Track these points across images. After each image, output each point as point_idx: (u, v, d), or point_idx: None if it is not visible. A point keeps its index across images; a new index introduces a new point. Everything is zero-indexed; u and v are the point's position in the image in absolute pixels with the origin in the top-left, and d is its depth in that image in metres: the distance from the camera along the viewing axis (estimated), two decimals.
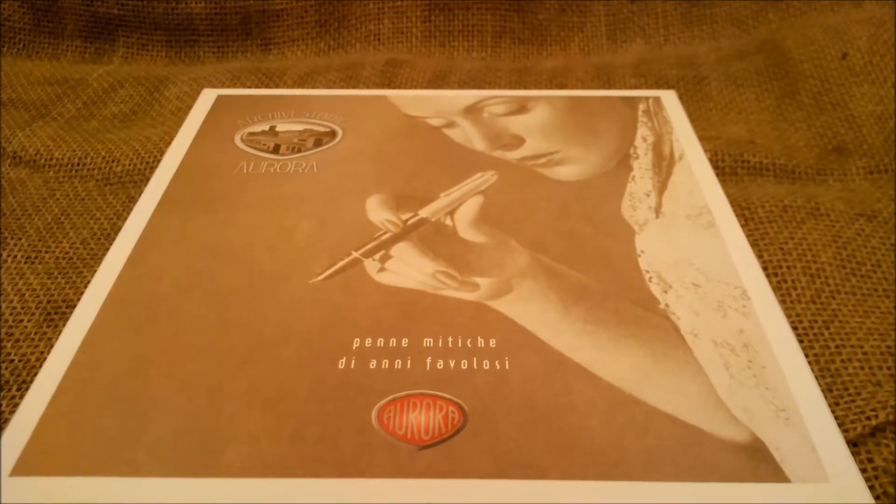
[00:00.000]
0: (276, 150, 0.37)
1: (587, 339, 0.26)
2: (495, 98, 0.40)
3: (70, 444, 0.23)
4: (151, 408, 0.24)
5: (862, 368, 0.28)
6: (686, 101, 0.44)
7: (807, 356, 0.27)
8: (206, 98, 0.41)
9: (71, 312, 0.28)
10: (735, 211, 0.33)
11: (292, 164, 0.35)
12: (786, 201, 0.35)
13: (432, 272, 0.29)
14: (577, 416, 0.23)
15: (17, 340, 0.29)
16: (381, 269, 0.29)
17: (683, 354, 0.26)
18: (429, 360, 0.25)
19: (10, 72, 0.48)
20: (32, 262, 0.33)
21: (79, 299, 0.29)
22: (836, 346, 0.28)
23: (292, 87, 0.46)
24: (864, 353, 0.28)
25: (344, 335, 0.26)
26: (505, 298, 0.28)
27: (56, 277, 0.32)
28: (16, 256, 0.33)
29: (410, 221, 0.31)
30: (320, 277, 0.29)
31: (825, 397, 0.25)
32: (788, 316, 0.30)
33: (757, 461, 0.22)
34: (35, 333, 0.29)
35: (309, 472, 0.22)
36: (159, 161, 0.37)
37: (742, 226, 0.32)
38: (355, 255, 0.30)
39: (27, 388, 0.25)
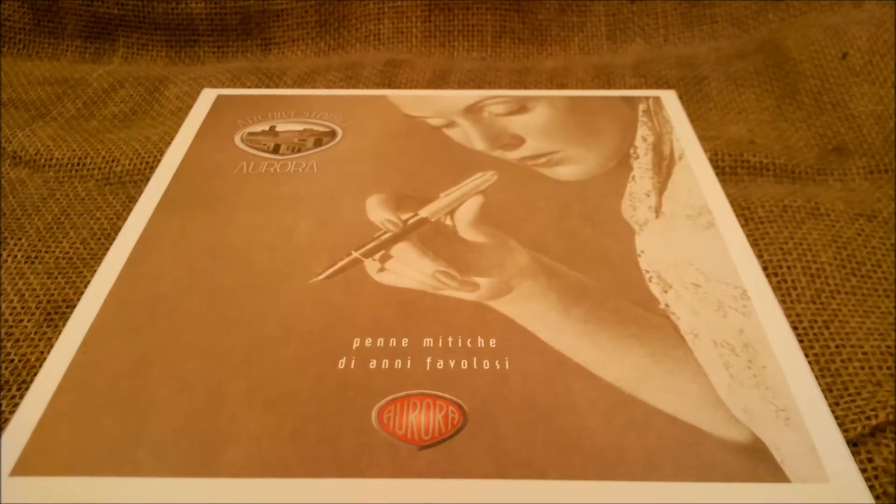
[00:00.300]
0: (276, 150, 0.37)
1: (587, 339, 0.26)
2: (495, 98, 0.40)
3: (70, 444, 0.23)
4: (151, 408, 0.24)
5: (862, 368, 0.28)
6: (686, 101, 0.44)
7: (807, 356, 0.27)
8: (206, 98, 0.41)
9: (71, 312, 0.28)
10: (735, 211, 0.33)
11: (292, 164, 0.35)
12: (786, 201, 0.35)
13: (432, 272, 0.29)
14: (577, 416, 0.23)
15: (17, 340, 0.29)
16: (381, 269, 0.29)
17: (683, 354, 0.26)
18: (429, 360, 0.25)
19: (10, 72, 0.48)
20: (32, 262, 0.33)
21: (79, 299, 0.29)
22: (836, 346, 0.28)
23: (292, 87, 0.46)
24: (864, 353, 0.28)
25: (344, 335, 0.26)
26: (505, 298, 0.28)
27: (56, 277, 0.32)
28: (16, 256, 0.33)
29: (410, 221, 0.31)
30: (320, 277, 0.29)
31: (825, 397, 0.25)
32: (788, 316, 0.30)
33: (757, 461, 0.22)
34: (35, 333, 0.29)
35: (309, 472, 0.22)
36: (159, 161, 0.37)
37: (742, 226, 0.32)
38: (355, 255, 0.30)
39: (27, 388, 0.25)
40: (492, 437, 0.23)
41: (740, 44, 0.49)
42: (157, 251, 0.30)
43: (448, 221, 0.32)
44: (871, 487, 0.24)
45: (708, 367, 0.25)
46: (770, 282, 0.30)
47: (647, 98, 0.40)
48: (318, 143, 0.37)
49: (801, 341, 0.29)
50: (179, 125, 0.39)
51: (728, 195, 0.33)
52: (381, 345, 0.26)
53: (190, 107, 0.40)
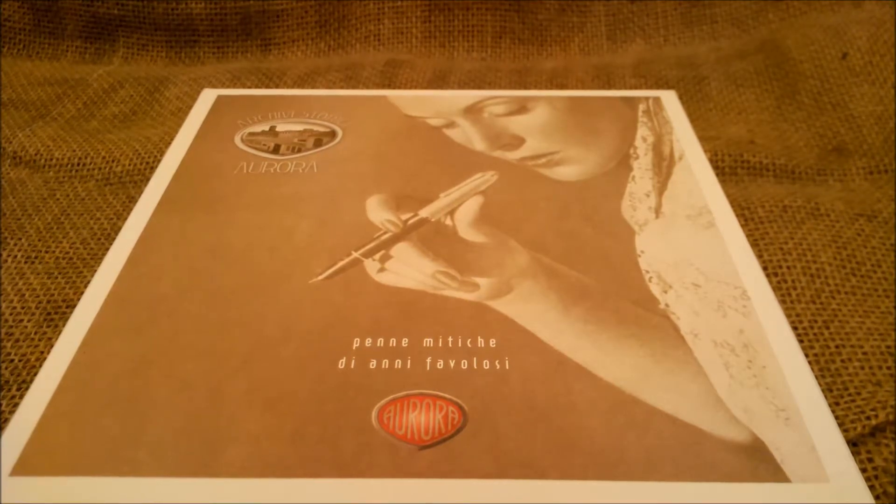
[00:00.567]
0: (276, 150, 0.37)
1: (587, 339, 0.26)
2: (495, 98, 0.40)
3: (70, 444, 0.23)
4: (151, 408, 0.24)
5: (862, 368, 0.28)
6: (686, 101, 0.44)
7: (807, 356, 0.27)
8: (206, 98, 0.41)
9: (71, 312, 0.28)
10: (735, 211, 0.33)
11: (292, 165, 0.35)
12: (786, 201, 0.35)
13: (432, 272, 0.29)
14: (577, 416, 0.23)
15: (17, 340, 0.29)
16: (381, 269, 0.29)
17: (683, 354, 0.26)
18: (429, 360, 0.25)
19: (10, 72, 0.48)
20: (32, 262, 0.33)
21: (79, 299, 0.29)
22: (836, 346, 0.28)
23: (292, 87, 0.46)
24: (864, 353, 0.28)
25: (344, 335, 0.26)
26: (505, 298, 0.28)
27: (56, 277, 0.32)
28: (16, 256, 0.33)
29: (410, 221, 0.31)
30: (320, 277, 0.29)
31: (825, 397, 0.25)
32: (788, 316, 0.30)
33: (757, 461, 0.22)
34: (35, 333, 0.29)
35: (309, 472, 0.22)
36: (159, 161, 0.37)
37: (742, 226, 0.32)
38: (355, 255, 0.30)
39: (27, 388, 0.25)
40: (492, 437, 0.23)
41: (740, 44, 0.49)
42: (157, 251, 0.30)
43: (448, 221, 0.32)
44: (871, 487, 0.24)
45: (708, 367, 0.25)
46: (770, 282, 0.30)
47: (647, 98, 0.40)
48: (318, 143, 0.37)
49: (801, 341, 0.29)
50: (179, 125, 0.39)
51: (728, 195, 0.33)
52: (381, 345, 0.26)
53: (190, 107, 0.40)
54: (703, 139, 0.38)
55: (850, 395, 0.27)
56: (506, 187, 0.34)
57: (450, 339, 0.26)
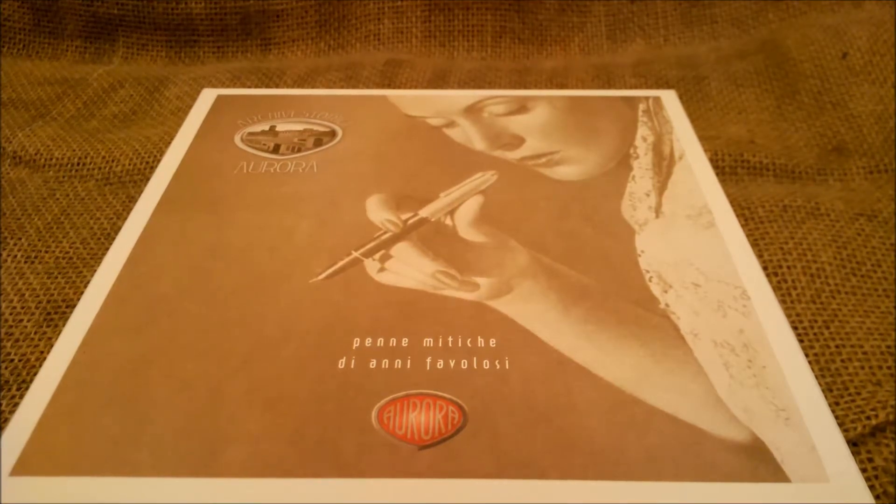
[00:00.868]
0: (276, 150, 0.37)
1: (587, 339, 0.26)
2: (495, 98, 0.40)
3: (70, 444, 0.23)
4: (151, 408, 0.24)
5: (862, 368, 0.28)
6: (686, 101, 0.44)
7: (807, 356, 0.27)
8: (206, 98, 0.41)
9: (71, 312, 0.28)
10: (735, 211, 0.33)
11: (292, 164, 0.35)
12: (786, 201, 0.35)
13: (432, 272, 0.29)
14: (577, 416, 0.23)
15: (17, 340, 0.29)
16: (381, 269, 0.29)
17: (683, 354, 0.26)
18: (429, 360, 0.25)
19: (10, 72, 0.48)
20: (32, 262, 0.33)
21: (79, 299, 0.29)
22: (836, 346, 0.28)
23: (292, 87, 0.46)
24: (864, 353, 0.28)
25: (344, 335, 0.26)
26: (505, 298, 0.28)
27: (56, 277, 0.32)
28: (16, 256, 0.33)
29: (410, 221, 0.31)
30: (320, 277, 0.29)
31: (825, 397, 0.25)
32: (788, 316, 0.30)
33: (757, 461, 0.22)
34: (35, 333, 0.29)
35: (309, 472, 0.22)
36: (159, 161, 0.37)
37: (742, 226, 0.32)
38: (355, 254, 0.30)
39: (27, 388, 0.25)
40: (492, 437, 0.23)
41: (740, 44, 0.49)
42: (157, 251, 0.30)
43: (448, 221, 0.32)
44: (871, 487, 0.24)
45: (708, 367, 0.25)
46: (770, 282, 0.30)
47: (647, 98, 0.40)
48: (318, 143, 0.37)
49: (801, 341, 0.29)
50: (179, 125, 0.39)
51: (728, 195, 0.33)
52: (381, 345, 0.26)
53: (190, 107, 0.40)
54: (703, 139, 0.38)
55: (850, 395, 0.27)
56: (506, 187, 0.34)
57: (450, 338, 0.26)
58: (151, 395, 0.24)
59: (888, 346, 0.28)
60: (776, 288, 0.31)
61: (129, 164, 0.39)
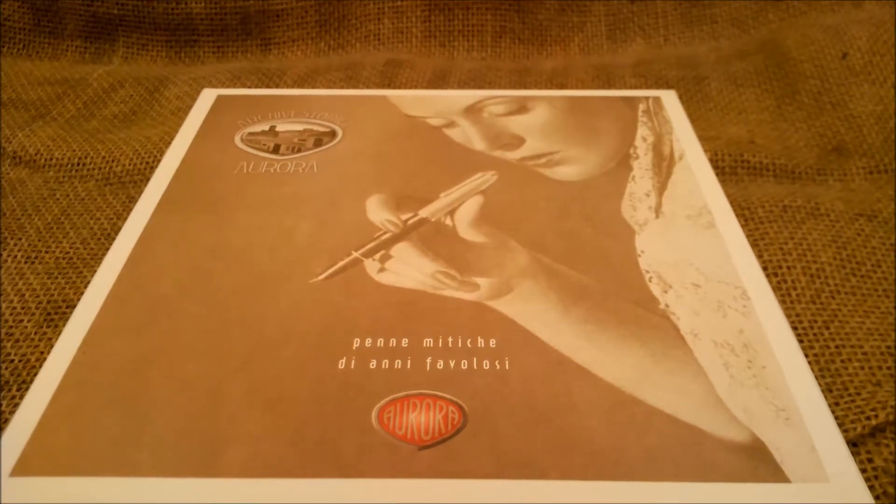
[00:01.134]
0: (276, 150, 0.37)
1: (587, 339, 0.26)
2: (495, 98, 0.40)
3: (70, 444, 0.23)
4: (151, 408, 0.24)
5: (862, 368, 0.28)
6: (686, 101, 0.44)
7: (807, 356, 0.27)
8: (206, 98, 0.41)
9: (71, 312, 0.28)
10: (735, 211, 0.33)
11: (292, 164, 0.35)
12: (786, 201, 0.35)
13: (432, 272, 0.29)
14: (577, 416, 0.23)
15: (17, 340, 0.29)
16: (381, 269, 0.29)
17: (683, 354, 0.26)
18: (429, 360, 0.25)
19: (10, 72, 0.48)
20: (32, 262, 0.33)
21: (79, 299, 0.29)
22: (836, 346, 0.28)
23: (292, 87, 0.46)
24: (864, 353, 0.28)
25: (344, 335, 0.26)
26: (505, 298, 0.28)
27: (56, 277, 0.32)
28: (16, 256, 0.33)
29: (410, 221, 0.31)
30: (320, 277, 0.29)
31: (825, 397, 0.25)
32: (788, 316, 0.30)
33: (757, 461, 0.22)
34: (35, 333, 0.29)
35: (309, 473, 0.22)
36: (159, 161, 0.37)
37: (742, 226, 0.32)
38: (355, 255, 0.30)
39: (27, 388, 0.25)
40: (492, 437, 0.23)
41: (740, 44, 0.49)
42: (157, 251, 0.30)
43: (448, 221, 0.32)
44: (871, 487, 0.24)
45: (708, 367, 0.25)
46: (770, 282, 0.30)
47: (647, 98, 0.40)
48: (318, 143, 0.37)
49: (801, 341, 0.29)
50: (179, 125, 0.39)
51: (728, 195, 0.33)
52: (381, 345, 0.26)
53: (190, 107, 0.40)
54: (703, 139, 0.38)
55: (850, 395, 0.27)
56: (506, 187, 0.34)
57: (450, 339, 0.26)
58: (151, 395, 0.24)
59: (888, 347, 0.28)
60: (776, 288, 0.31)
61: (129, 165, 0.39)
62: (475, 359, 0.25)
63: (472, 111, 0.39)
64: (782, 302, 0.30)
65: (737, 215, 0.32)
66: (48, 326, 0.30)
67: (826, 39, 0.45)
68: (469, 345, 0.26)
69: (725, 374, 0.25)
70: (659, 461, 0.22)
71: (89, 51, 0.52)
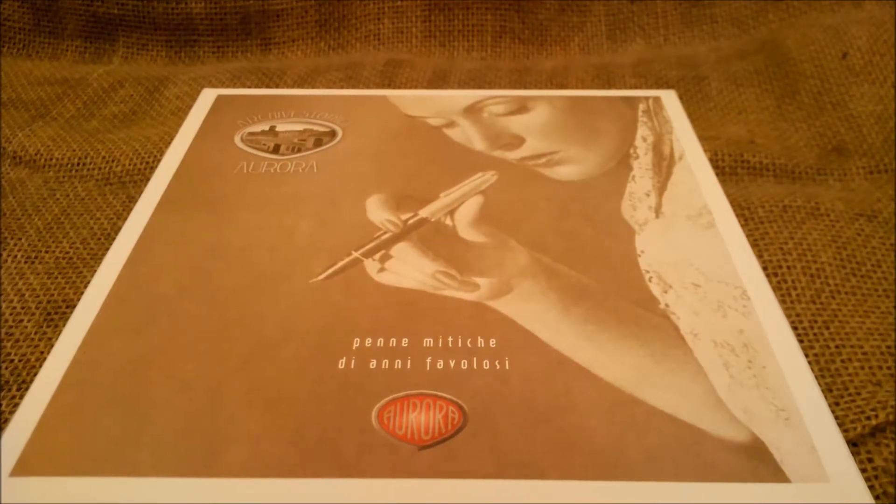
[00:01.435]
0: (276, 150, 0.37)
1: (587, 339, 0.26)
2: (495, 98, 0.40)
3: (70, 444, 0.23)
4: (151, 408, 0.24)
5: (862, 368, 0.28)
6: (686, 101, 0.44)
7: (807, 356, 0.27)
8: (206, 98, 0.41)
9: (71, 312, 0.28)
10: (735, 211, 0.33)
11: (292, 164, 0.35)
12: (786, 201, 0.35)
13: (432, 272, 0.29)
14: (577, 416, 0.23)
15: (17, 340, 0.29)
16: (381, 269, 0.29)
17: (683, 354, 0.26)
18: (429, 360, 0.25)
19: (10, 72, 0.48)
20: (32, 262, 0.33)
21: (79, 299, 0.29)
22: (836, 346, 0.28)
23: (292, 87, 0.46)
24: (864, 353, 0.28)
25: (344, 335, 0.26)
26: (505, 298, 0.28)
27: (56, 277, 0.32)
28: (16, 256, 0.33)
29: (410, 221, 0.31)
30: (320, 277, 0.29)
31: (825, 397, 0.25)
32: (788, 316, 0.30)
33: (757, 461, 0.22)
34: (35, 333, 0.29)
35: (309, 473, 0.22)
36: (159, 161, 0.37)
37: (742, 226, 0.32)
38: (355, 255, 0.30)
39: (27, 388, 0.25)
40: (492, 437, 0.23)
41: (740, 44, 0.49)
42: (157, 251, 0.30)
43: (448, 221, 0.32)
44: (871, 487, 0.24)
45: (708, 367, 0.25)
46: (770, 282, 0.30)
47: (647, 98, 0.40)
48: (318, 143, 0.37)
49: (801, 341, 0.29)
50: (179, 125, 0.39)
51: (728, 195, 0.33)
52: (381, 345, 0.26)
53: (190, 107, 0.40)
54: (703, 139, 0.38)
55: (850, 395, 0.27)
56: (506, 187, 0.34)
57: (450, 339, 0.26)
58: (151, 395, 0.24)
59: (888, 347, 0.28)
60: (776, 288, 0.31)
61: (129, 164, 0.39)
62: (475, 359, 0.25)
63: (472, 111, 0.39)
64: (782, 302, 0.30)
65: (737, 215, 0.32)
66: (48, 326, 0.30)
67: (826, 39, 0.45)
68: (469, 345, 0.26)
69: (725, 374, 0.25)
70: (659, 461, 0.22)
71: (89, 51, 0.52)
